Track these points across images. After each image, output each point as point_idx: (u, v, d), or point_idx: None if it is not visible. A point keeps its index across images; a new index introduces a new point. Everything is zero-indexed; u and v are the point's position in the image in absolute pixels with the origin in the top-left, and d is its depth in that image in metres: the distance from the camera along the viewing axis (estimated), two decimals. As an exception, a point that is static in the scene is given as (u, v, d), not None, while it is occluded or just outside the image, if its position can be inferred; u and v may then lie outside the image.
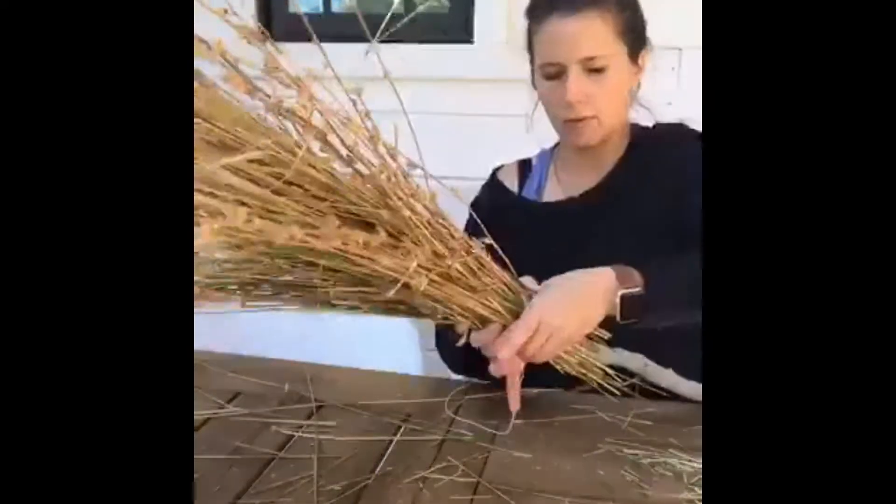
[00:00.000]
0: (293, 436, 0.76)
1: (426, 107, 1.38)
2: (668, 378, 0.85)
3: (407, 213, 0.64)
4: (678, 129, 0.93)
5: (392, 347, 1.20)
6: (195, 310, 0.45)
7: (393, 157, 0.64)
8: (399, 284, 0.64)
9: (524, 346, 0.72)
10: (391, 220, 0.64)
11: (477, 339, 0.76)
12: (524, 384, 0.80)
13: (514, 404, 0.78)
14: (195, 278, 0.68)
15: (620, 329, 0.77)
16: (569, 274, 0.76)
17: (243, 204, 0.56)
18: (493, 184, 1.03)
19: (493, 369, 0.77)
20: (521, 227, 0.93)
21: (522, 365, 0.78)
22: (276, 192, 0.58)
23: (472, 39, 1.42)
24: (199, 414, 0.79)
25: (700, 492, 0.64)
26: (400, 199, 0.64)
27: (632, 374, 0.84)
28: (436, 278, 0.68)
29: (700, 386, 0.84)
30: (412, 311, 0.75)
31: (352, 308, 0.74)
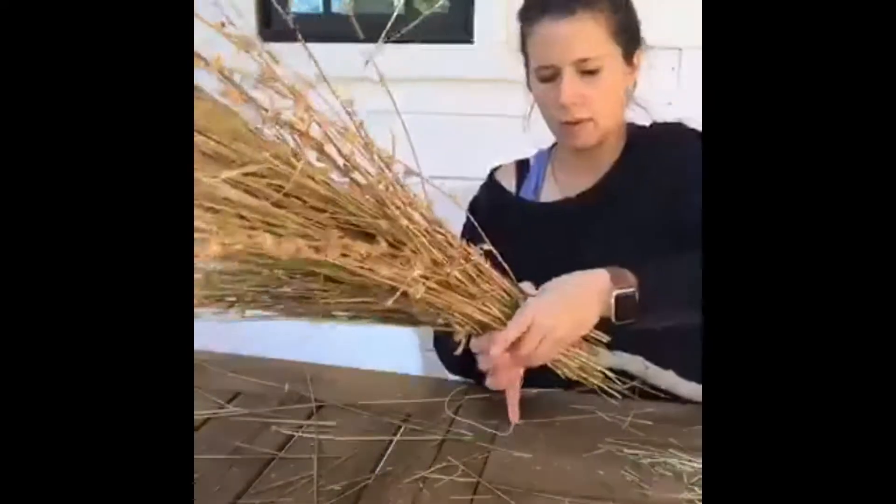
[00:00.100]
0: (293, 436, 0.76)
1: (426, 107, 1.38)
2: (668, 379, 0.85)
3: (405, 222, 0.64)
4: (676, 129, 0.93)
5: (392, 348, 1.19)
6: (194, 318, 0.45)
7: (389, 167, 0.64)
8: (398, 294, 0.64)
9: (518, 349, 0.72)
10: (390, 229, 0.64)
11: (476, 346, 0.76)
12: (523, 385, 0.80)
13: (514, 416, 0.78)
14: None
15: (620, 332, 0.77)
16: (563, 277, 0.76)
17: (242, 217, 0.56)
18: (491, 184, 1.03)
19: (491, 382, 0.77)
20: (519, 227, 0.93)
21: (520, 376, 0.78)
22: (276, 205, 0.58)
23: (472, 39, 1.42)
24: (199, 414, 0.79)
25: (700, 492, 0.64)
26: (398, 208, 0.64)
27: (632, 377, 0.84)
28: (435, 286, 0.68)
29: (700, 387, 0.84)
30: (411, 320, 0.75)
31: (351, 318, 0.75)
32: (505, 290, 0.76)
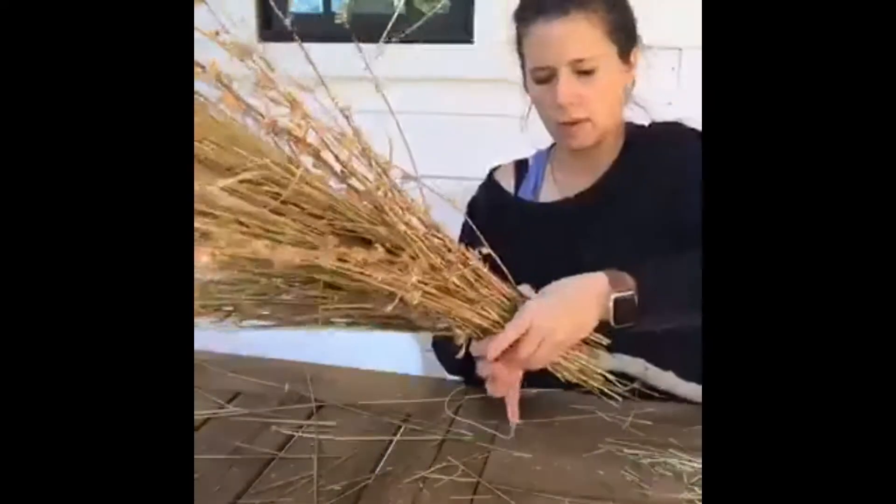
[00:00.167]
0: (293, 436, 0.76)
1: (426, 107, 1.38)
2: (668, 380, 0.85)
3: (403, 227, 0.64)
4: (675, 128, 0.93)
5: (392, 348, 1.19)
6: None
7: (385, 173, 0.64)
8: (397, 300, 0.64)
9: (518, 351, 0.72)
10: (388, 235, 0.64)
11: (477, 350, 0.76)
12: (523, 385, 0.80)
13: (514, 417, 0.78)
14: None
15: (620, 334, 0.77)
16: (562, 280, 0.76)
17: (240, 223, 0.56)
18: (490, 184, 1.03)
19: (490, 389, 0.77)
20: (517, 227, 0.93)
21: (519, 378, 0.78)
22: (274, 212, 0.58)
23: (472, 39, 1.42)
24: (199, 414, 0.79)
25: (700, 492, 0.64)
26: (396, 214, 0.64)
27: (632, 379, 0.84)
28: (433, 291, 0.68)
29: (699, 387, 0.84)
30: (410, 326, 0.75)
31: (350, 325, 0.74)
32: (504, 295, 0.75)
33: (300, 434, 0.76)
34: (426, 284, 0.66)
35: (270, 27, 1.52)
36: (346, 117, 0.61)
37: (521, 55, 0.91)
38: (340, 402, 0.83)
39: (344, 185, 0.63)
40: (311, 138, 0.60)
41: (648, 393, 0.84)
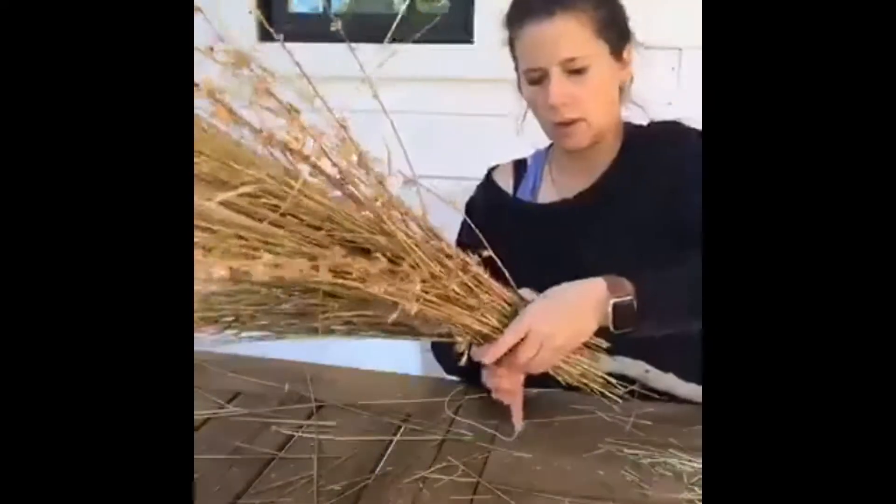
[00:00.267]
0: (293, 436, 0.76)
1: (426, 107, 1.38)
2: (668, 382, 0.85)
3: (402, 236, 0.64)
4: (674, 128, 0.92)
5: (392, 348, 1.19)
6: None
7: (383, 183, 0.63)
8: (400, 309, 0.63)
9: (517, 355, 0.72)
10: (388, 244, 0.64)
11: (478, 355, 0.75)
12: (523, 386, 0.80)
13: (518, 421, 0.78)
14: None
15: (620, 337, 0.77)
16: (562, 286, 0.75)
17: (239, 237, 0.55)
18: (488, 184, 1.02)
19: (496, 397, 0.77)
20: (516, 228, 0.92)
21: (521, 382, 0.78)
22: (273, 224, 0.58)
23: (472, 39, 1.42)
24: (199, 414, 0.79)
25: (700, 492, 0.64)
26: (394, 223, 0.64)
27: (632, 381, 0.84)
28: (434, 299, 0.68)
29: (699, 388, 0.84)
30: (412, 332, 0.75)
31: (350, 332, 0.74)
32: (505, 300, 0.75)
33: (300, 434, 0.76)
34: (427, 293, 0.66)
35: (272, 25, 1.52)
36: (344, 128, 0.60)
37: (514, 57, 0.91)
38: (340, 402, 0.83)
39: (340, 194, 0.63)
40: (309, 149, 0.59)
41: (648, 394, 0.84)
